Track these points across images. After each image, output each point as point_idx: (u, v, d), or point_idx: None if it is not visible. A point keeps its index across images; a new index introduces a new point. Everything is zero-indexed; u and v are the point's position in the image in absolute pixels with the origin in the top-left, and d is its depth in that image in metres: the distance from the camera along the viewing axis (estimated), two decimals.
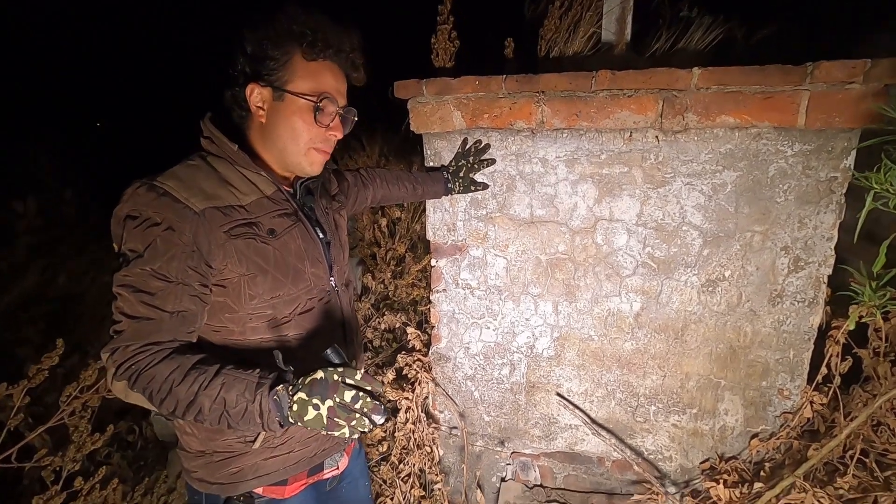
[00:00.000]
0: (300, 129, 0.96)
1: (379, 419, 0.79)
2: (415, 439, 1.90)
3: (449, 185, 1.66)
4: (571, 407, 1.78)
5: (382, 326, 2.30)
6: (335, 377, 0.79)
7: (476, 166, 1.66)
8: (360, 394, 0.78)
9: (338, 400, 0.77)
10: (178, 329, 0.86)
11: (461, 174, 1.66)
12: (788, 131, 1.40)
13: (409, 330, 2.00)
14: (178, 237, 0.85)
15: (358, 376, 0.80)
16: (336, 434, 0.78)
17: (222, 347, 0.97)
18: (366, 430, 0.78)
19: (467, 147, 1.68)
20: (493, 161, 1.67)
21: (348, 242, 1.26)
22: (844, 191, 1.40)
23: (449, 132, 1.71)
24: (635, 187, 1.57)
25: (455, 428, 1.97)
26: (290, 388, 0.80)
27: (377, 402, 0.78)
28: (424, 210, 2.46)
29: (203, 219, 0.88)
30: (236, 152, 0.95)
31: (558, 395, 1.80)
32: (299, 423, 0.80)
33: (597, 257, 1.67)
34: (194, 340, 0.91)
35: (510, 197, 1.71)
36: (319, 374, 0.79)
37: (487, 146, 1.67)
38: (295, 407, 0.79)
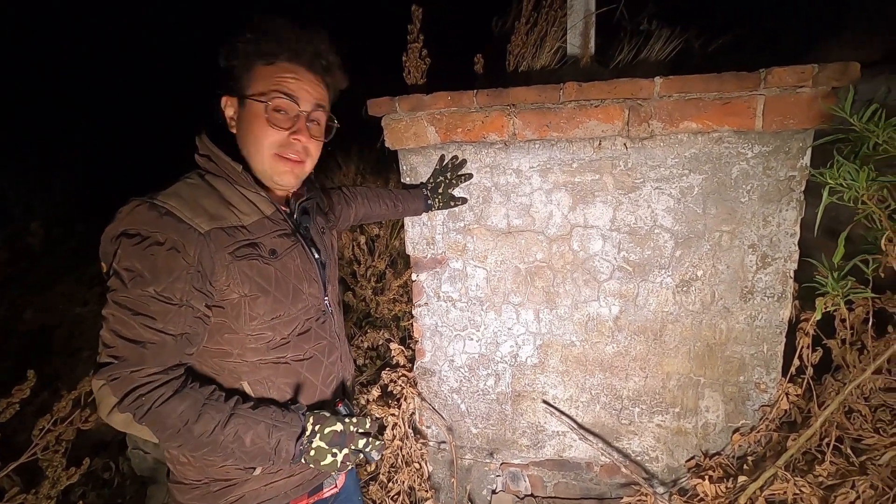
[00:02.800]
0: (258, 133, 0.94)
1: (378, 456, 0.96)
2: (403, 456, 1.88)
3: (429, 202, 1.68)
4: (558, 413, 1.80)
5: (365, 344, 2.29)
6: (351, 428, 0.94)
7: (454, 182, 1.68)
8: (370, 440, 0.94)
9: (352, 447, 0.93)
10: (181, 352, 0.85)
11: (440, 190, 1.68)
12: (747, 134, 1.46)
13: (393, 346, 2.00)
14: (183, 258, 0.83)
15: (367, 424, 0.96)
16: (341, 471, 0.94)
17: (219, 370, 0.95)
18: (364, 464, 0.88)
19: (444, 163, 1.70)
20: (470, 176, 1.70)
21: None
22: (803, 188, 1.47)
23: (424, 147, 1.73)
24: (607, 194, 1.62)
25: (443, 442, 1.96)
26: (309, 434, 0.91)
27: (381, 442, 0.96)
28: (403, 226, 2.48)
29: (208, 240, 0.86)
30: (240, 173, 0.94)
31: (544, 402, 1.81)
32: (312, 466, 0.92)
33: (574, 263, 1.70)
34: (192, 361, 0.90)
35: (487, 208, 1.74)
36: (338, 427, 0.93)
37: (464, 161, 1.70)
38: (313, 453, 0.91)
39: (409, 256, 1.89)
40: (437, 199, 1.69)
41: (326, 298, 1.09)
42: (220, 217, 0.90)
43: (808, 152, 1.43)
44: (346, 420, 0.95)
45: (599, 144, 1.59)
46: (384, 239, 2.47)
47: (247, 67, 0.93)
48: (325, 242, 1.15)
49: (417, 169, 1.78)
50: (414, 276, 1.89)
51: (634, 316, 1.68)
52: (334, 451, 0.92)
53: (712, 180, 1.52)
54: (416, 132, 1.71)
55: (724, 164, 1.51)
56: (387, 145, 1.76)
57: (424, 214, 1.78)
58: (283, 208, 1.04)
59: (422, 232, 1.83)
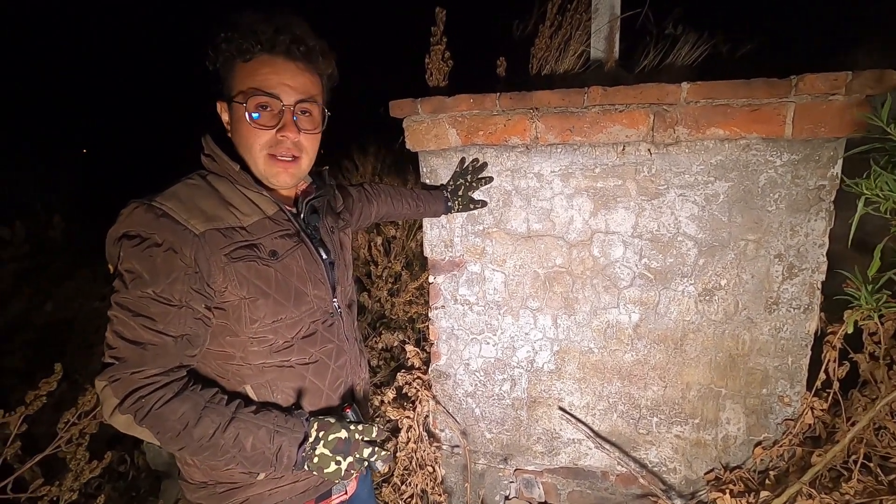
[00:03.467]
0: (246, 135, 0.92)
1: (383, 467, 0.93)
2: (417, 459, 1.87)
3: (449, 204, 1.67)
4: (574, 421, 1.77)
5: (380, 345, 2.28)
6: (357, 436, 0.91)
7: (474, 185, 1.67)
8: (375, 449, 0.91)
9: (357, 456, 0.91)
10: (182, 354, 0.85)
11: (460, 193, 1.67)
12: (776, 142, 1.43)
13: (408, 348, 1.99)
14: (180, 259, 0.83)
15: (374, 433, 0.93)
16: (345, 480, 0.92)
17: (222, 372, 0.94)
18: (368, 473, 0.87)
19: (465, 166, 1.69)
20: (490, 179, 1.69)
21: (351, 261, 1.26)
22: (833, 198, 1.43)
23: (444, 149, 1.73)
24: (630, 200, 1.60)
25: (457, 446, 1.94)
26: (312, 441, 0.90)
27: (388, 452, 0.93)
28: (420, 227, 2.47)
29: (203, 241, 0.86)
30: (238, 172, 0.94)
31: (560, 409, 1.79)
32: (315, 473, 0.90)
33: (594, 270, 1.68)
34: (195, 364, 0.90)
35: (507, 212, 1.73)
36: (343, 433, 0.91)
37: (485, 164, 1.69)
38: (316, 460, 0.89)
39: (425, 258, 1.89)
40: (456, 202, 1.68)
41: (335, 300, 1.07)
42: (217, 218, 0.89)
43: (840, 162, 1.40)
44: (352, 427, 0.93)
45: (623, 150, 1.57)
46: (400, 240, 2.46)
47: (229, 68, 0.92)
48: (335, 242, 1.13)
49: (437, 171, 1.77)
50: (431, 279, 1.88)
51: (655, 324, 1.66)
52: (338, 458, 0.89)
53: (738, 188, 1.50)
54: (437, 134, 1.70)
55: (751, 172, 1.48)
56: (407, 147, 1.76)
57: (443, 217, 1.78)
58: (290, 208, 1.03)
59: (440, 234, 1.82)
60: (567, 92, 1.52)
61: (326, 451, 0.89)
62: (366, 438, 0.93)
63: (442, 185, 1.74)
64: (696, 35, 1.61)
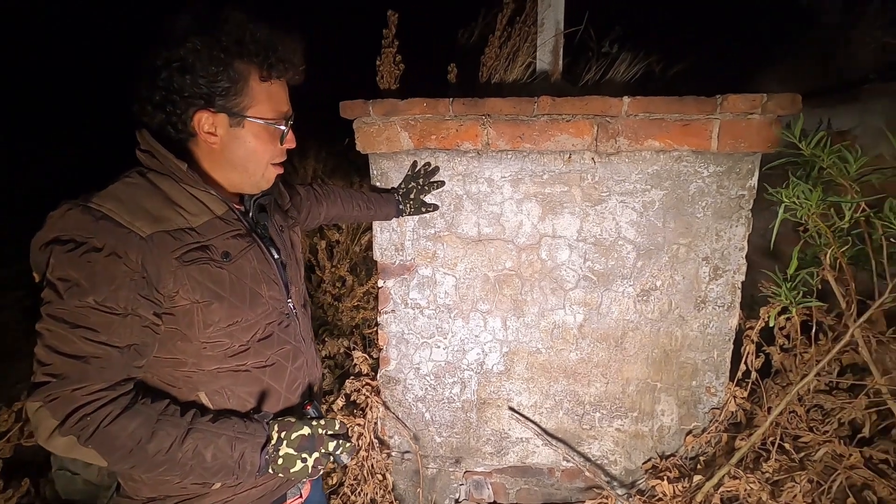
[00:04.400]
0: (261, 151, 0.92)
1: (349, 459, 0.93)
2: (368, 467, 1.83)
3: (400, 207, 1.66)
4: (524, 420, 1.82)
5: (323, 353, 2.21)
6: (320, 431, 0.90)
7: (426, 188, 1.68)
8: (340, 441, 0.91)
9: (323, 451, 0.89)
10: (129, 365, 0.78)
11: (412, 196, 1.68)
12: (704, 154, 1.57)
13: (356, 354, 1.95)
14: (124, 264, 0.76)
15: (337, 426, 0.93)
16: (312, 477, 0.90)
17: (172, 380, 0.88)
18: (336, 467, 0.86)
19: (417, 169, 1.70)
20: (442, 183, 1.70)
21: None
22: (751, 206, 1.59)
23: (396, 152, 1.72)
24: (575, 205, 1.68)
25: (407, 452, 1.93)
26: (275, 442, 0.87)
27: (352, 444, 0.93)
28: (364, 231, 2.43)
29: (151, 244, 0.79)
30: (185, 172, 0.86)
31: (511, 409, 1.83)
32: (281, 475, 0.88)
33: (542, 272, 1.74)
34: (142, 375, 0.83)
35: (458, 216, 1.75)
36: (306, 430, 0.89)
37: (437, 168, 1.70)
38: (281, 461, 0.87)
39: (369, 263, 1.87)
40: (408, 205, 1.68)
41: (290, 301, 1.03)
42: (164, 219, 0.83)
43: (756, 173, 1.56)
44: (315, 423, 0.91)
45: (569, 158, 1.65)
46: (345, 244, 2.41)
47: (243, 84, 0.86)
48: (286, 241, 1.10)
49: (388, 174, 1.76)
50: (381, 283, 1.86)
51: (598, 324, 1.75)
52: (304, 455, 0.87)
53: (672, 196, 1.62)
54: (388, 137, 1.69)
55: (682, 182, 1.61)
56: (358, 148, 1.73)
57: (394, 220, 1.77)
58: (237, 206, 0.98)
59: (391, 238, 1.81)
60: (518, 100, 1.57)
61: (291, 451, 0.87)
62: (329, 432, 0.92)
63: (393, 188, 1.73)
64: (632, 54, 1.73)
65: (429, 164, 1.71)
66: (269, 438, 0.87)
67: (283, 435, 0.88)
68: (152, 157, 0.87)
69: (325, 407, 1.90)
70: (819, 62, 2.60)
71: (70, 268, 0.74)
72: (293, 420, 0.91)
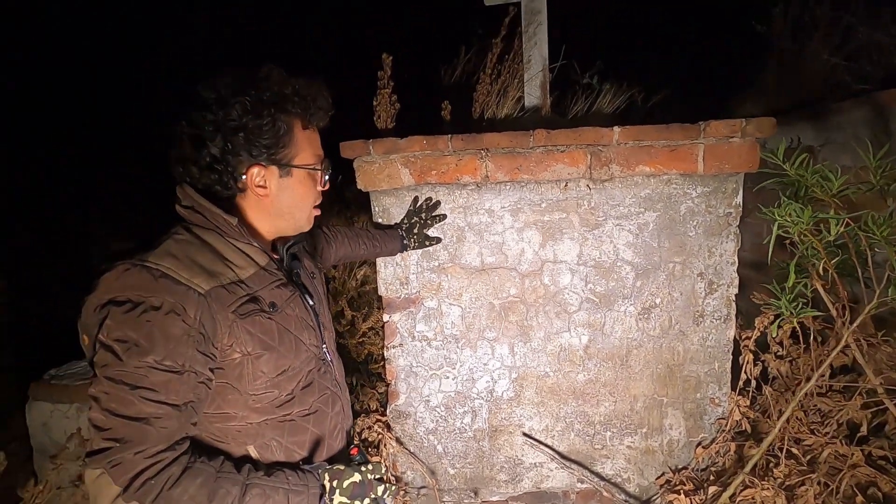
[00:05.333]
0: (305, 196, 0.97)
1: (392, 502, 0.96)
2: None
3: (405, 242, 1.69)
4: (538, 444, 1.84)
5: None
6: (369, 476, 0.91)
7: (429, 222, 1.72)
8: (387, 486, 0.92)
9: (373, 496, 0.90)
10: (186, 424, 0.78)
11: (415, 231, 1.71)
12: (692, 177, 1.67)
13: (365, 390, 1.93)
14: (183, 320, 0.77)
15: (383, 469, 0.94)
16: None
17: (221, 436, 0.88)
18: None
19: (419, 204, 1.74)
20: (444, 216, 1.74)
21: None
22: (738, 223, 1.69)
23: (397, 189, 1.76)
24: (574, 231, 1.74)
25: (423, 487, 1.91)
26: (329, 492, 0.88)
27: (395, 486, 0.97)
28: (359, 266, 2.44)
29: (210, 299, 0.81)
30: (234, 226, 0.88)
31: (525, 434, 1.85)
32: None
33: (546, 297, 1.79)
34: (195, 432, 0.82)
35: (461, 247, 1.79)
36: (356, 477, 0.90)
37: (438, 202, 1.74)
38: None
39: (366, 296, 1.88)
40: (412, 239, 1.72)
41: (324, 346, 1.05)
42: (217, 274, 0.85)
43: (741, 192, 1.66)
44: (363, 469, 0.92)
45: (566, 186, 1.72)
46: (341, 279, 2.41)
47: (289, 137, 0.91)
48: (317, 287, 1.12)
49: (390, 210, 1.80)
50: (386, 317, 1.87)
51: (602, 344, 1.80)
52: (356, 503, 0.89)
53: (664, 217, 1.71)
54: (389, 174, 1.73)
55: (673, 203, 1.70)
56: (359, 186, 1.77)
57: (398, 255, 1.79)
58: (274, 255, 1.00)
59: (395, 272, 1.83)
60: (514, 134, 1.64)
61: (344, 499, 0.87)
62: (377, 476, 0.92)
63: (396, 223, 1.76)
64: (615, 86, 1.83)
65: (430, 198, 1.75)
66: (323, 488, 0.88)
67: (335, 483, 0.88)
68: (195, 212, 0.88)
69: None
70: (776, 83, 2.81)
71: (129, 328, 0.74)
72: (342, 467, 0.91)
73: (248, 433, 0.89)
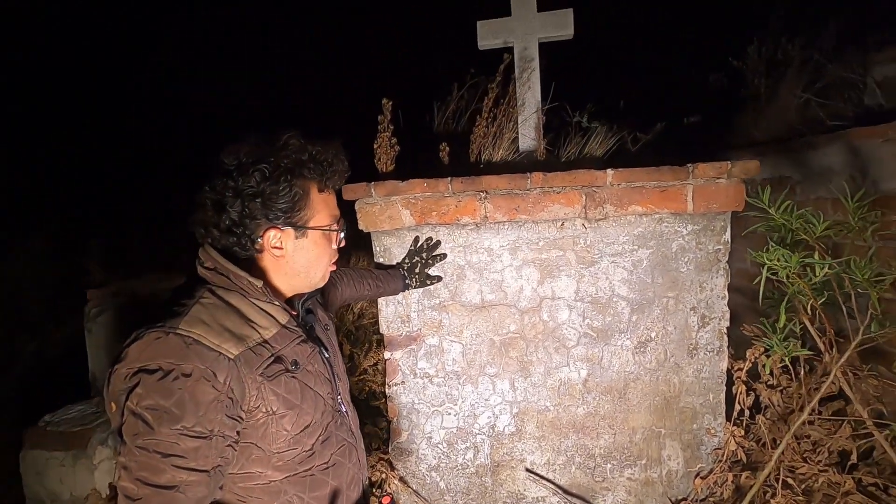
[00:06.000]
0: (322, 256, 1.00)
1: None
2: None
3: (406, 282, 1.72)
4: (540, 479, 1.85)
5: None
6: None
7: (430, 262, 1.76)
8: None
9: None
10: (215, 487, 0.79)
11: (416, 270, 1.74)
12: (682, 216, 1.74)
13: (367, 428, 1.94)
14: (213, 386, 0.79)
15: None
16: None
17: (244, 495, 0.89)
18: None
19: (420, 244, 1.78)
20: (444, 255, 1.78)
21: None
22: (727, 259, 1.76)
23: (398, 229, 1.80)
24: (571, 268, 1.80)
25: None
26: None
27: None
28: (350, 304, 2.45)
29: (239, 363, 0.83)
30: (259, 289, 0.91)
31: (528, 470, 1.86)
32: None
33: (545, 333, 1.83)
34: (222, 494, 0.83)
35: (461, 285, 1.83)
36: None
37: (438, 242, 1.78)
38: None
39: (362, 332, 1.90)
40: (414, 279, 1.75)
41: (339, 397, 1.07)
42: (245, 337, 0.87)
43: (728, 229, 1.74)
44: None
45: (562, 225, 1.78)
46: (339, 313, 2.42)
47: (306, 200, 0.94)
48: (331, 338, 1.14)
49: (391, 249, 1.83)
50: (388, 355, 1.89)
51: (601, 377, 1.84)
52: None
53: (657, 254, 1.77)
54: (390, 215, 1.77)
55: (665, 240, 1.76)
56: (360, 227, 1.80)
57: (400, 293, 1.82)
58: (292, 311, 1.02)
59: (396, 310, 1.85)
60: (512, 177, 1.70)
61: None
62: None
63: (398, 263, 1.79)
64: (606, 127, 1.91)
65: (430, 238, 1.79)
66: None
67: None
68: (219, 273, 0.90)
69: None
70: (752, 118, 2.95)
71: (160, 396, 0.75)
72: None
73: (270, 491, 0.90)
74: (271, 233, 0.92)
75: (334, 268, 1.06)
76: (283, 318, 0.95)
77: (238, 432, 0.84)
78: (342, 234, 1.04)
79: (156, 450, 0.74)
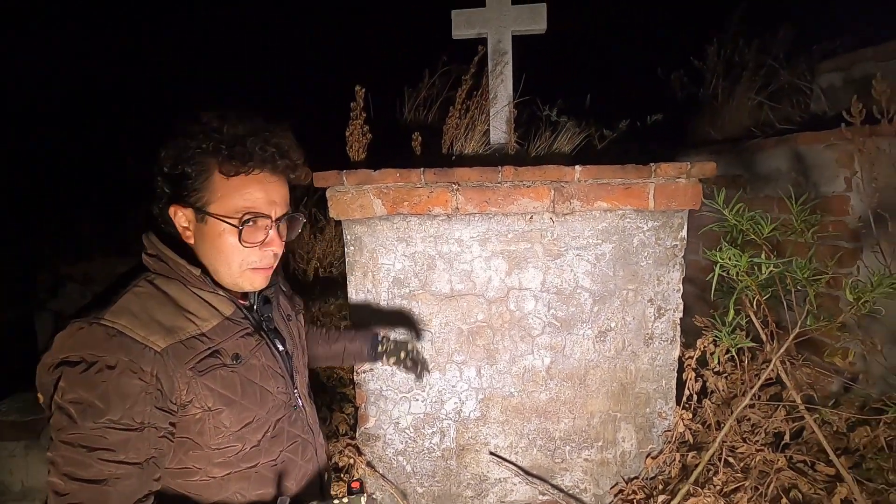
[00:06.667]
0: (229, 251, 0.86)
1: None
2: None
3: (379, 350, 1.43)
4: (503, 461, 1.93)
5: None
6: None
7: (409, 363, 1.46)
8: None
9: None
10: (148, 480, 0.76)
11: (393, 355, 1.44)
12: (643, 212, 1.83)
13: (335, 414, 1.96)
14: (139, 378, 0.75)
15: (363, 502, 0.86)
16: None
17: (184, 490, 0.87)
18: None
19: (410, 347, 1.47)
20: (425, 364, 1.50)
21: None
22: (683, 254, 1.87)
23: (369, 218, 1.80)
24: (538, 260, 1.86)
25: None
26: None
27: None
28: (336, 298, 2.45)
29: (166, 357, 0.79)
30: (198, 277, 0.86)
31: (492, 453, 1.94)
32: None
33: (511, 322, 1.89)
34: (158, 487, 0.80)
35: (431, 275, 1.85)
36: None
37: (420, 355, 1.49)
38: None
39: (331, 321, 1.90)
40: (387, 348, 1.44)
41: (296, 391, 1.03)
42: (176, 329, 0.82)
43: (685, 227, 1.84)
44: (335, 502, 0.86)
45: (531, 218, 1.83)
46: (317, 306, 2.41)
47: (205, 178, 0.83)
48: (292, 330, 1.08)
49: (362, 238, 1.83)
50: None
51: (563, 365, 1.92)
52: None
53: (619, 248, 1.85)
54: (362, 204, 1.77)
55: (627, 235, 1.85)
56: (331, 215, 1.79)
57: (369, 281, 1.83)
58: (242, 302, 0.95)
59: (366, 299, 1.87)
60: (484, 170, 1.73)
61: None
62: None
63: (375, 335, 1.47)
64: (574, 123, 1.97)
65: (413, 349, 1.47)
66: None
67: None
68: (160, 261, 0.86)
69: None
70: (709, 118, 3.09)
71: (83, 389, 0.72)
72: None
73: (210, 487, 0.87)
74: (174, 209, 0.86)
75: (263, 273, 0.91)
76: (228, 309, 0.90)
77: (174, 424, 0.81)
78: (271, 233, 0.88)
79: (81, 444, 0.71)
